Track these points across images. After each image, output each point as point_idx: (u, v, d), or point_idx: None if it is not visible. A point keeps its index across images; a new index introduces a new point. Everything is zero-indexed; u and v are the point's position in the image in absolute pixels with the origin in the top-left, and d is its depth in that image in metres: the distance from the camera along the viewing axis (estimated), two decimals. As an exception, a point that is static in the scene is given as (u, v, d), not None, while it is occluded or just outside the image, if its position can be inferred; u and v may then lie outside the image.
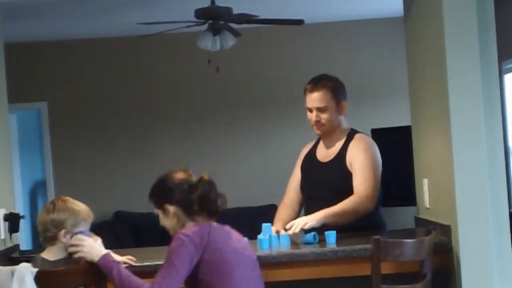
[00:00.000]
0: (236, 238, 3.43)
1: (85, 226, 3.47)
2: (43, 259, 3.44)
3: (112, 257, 3.41)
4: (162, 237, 7.74)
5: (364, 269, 3.63)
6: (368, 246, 3.60)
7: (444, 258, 3.79)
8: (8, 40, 4.90)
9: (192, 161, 9.13)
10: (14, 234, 4.30)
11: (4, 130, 4.54)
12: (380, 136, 5.09)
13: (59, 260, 3.44)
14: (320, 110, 4.31)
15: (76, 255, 3.40)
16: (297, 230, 4.00)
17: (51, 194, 9.11)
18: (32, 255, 3.93)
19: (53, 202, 3.49)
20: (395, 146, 5.14)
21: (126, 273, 3.35)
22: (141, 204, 8.97)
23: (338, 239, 3.91)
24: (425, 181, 4.23)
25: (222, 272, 3.28)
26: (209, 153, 9.09)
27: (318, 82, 4.35)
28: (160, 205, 3.44)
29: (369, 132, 7.97)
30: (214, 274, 3.28)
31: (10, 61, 5.04)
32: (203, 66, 7.74)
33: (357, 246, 3.74)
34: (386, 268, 3.56)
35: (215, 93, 9.28)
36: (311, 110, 4.35)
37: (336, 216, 4.09)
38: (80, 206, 3.49)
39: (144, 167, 9.06)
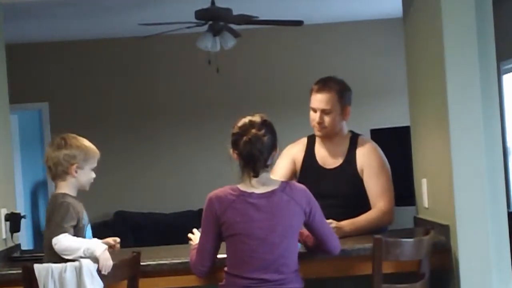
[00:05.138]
0: None
1: (93, 163, 3.57)
2: (65, 194, 3.51)
3: None
4: (162, 237, 7.81)
5: (364, 269, 3.65)
6: (368, 245, 3.61)
7: (442, 257, 3.79)
8: (9, 41, 4.90)
9: (192, 161, 9.16)
10: (15, 234, 4.30)
11: (6, 131, 4.54)
12: (379, 136, 5.10)
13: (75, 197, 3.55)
14: (324, 112, 4.22)
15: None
16: None
17: (52, 194, 9.12)
18: (34, 255, 3.95)
19: (63, 138, 3.57)
20: (394, 146, 5.14)
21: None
22: (142, 204, 9.09)
23: (339, 239, 3.91)
24: (424, 181, 4.22)
25: None
26: (209, 153, 9.10)
27: (326, 84, 4.25)
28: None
29: (368, 132, 8.00)
30: None
31: (12, 62, 5.05)
32: (203, 66, 7.75)
33: (357, 246, 3.74)
34: (385, 268, 3.55)
35: (215, 94, 9.29)
36: (315, 111, 4.25)
37: (358, 231, 4.04)
38: (88, 144, 3.60)
39: (145, 167, 9.08)
